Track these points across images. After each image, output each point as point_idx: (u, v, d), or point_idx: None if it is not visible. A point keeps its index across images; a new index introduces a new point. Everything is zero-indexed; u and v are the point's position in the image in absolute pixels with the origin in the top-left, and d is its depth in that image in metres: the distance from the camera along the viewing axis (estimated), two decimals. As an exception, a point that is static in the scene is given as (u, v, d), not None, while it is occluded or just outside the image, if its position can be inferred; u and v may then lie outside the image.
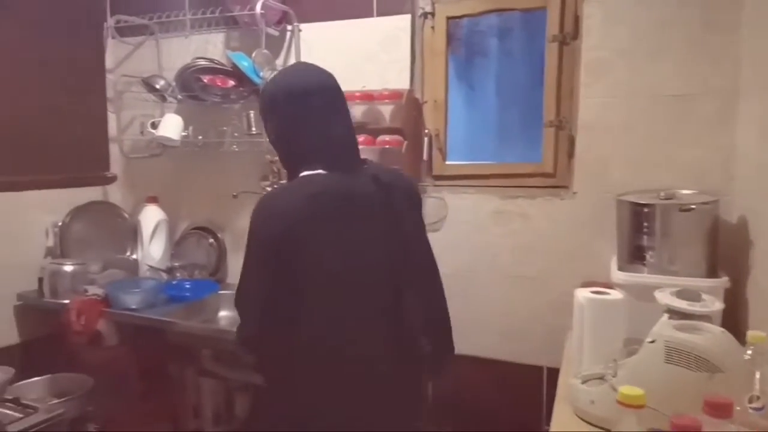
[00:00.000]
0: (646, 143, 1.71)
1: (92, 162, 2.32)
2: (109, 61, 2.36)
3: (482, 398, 1.96)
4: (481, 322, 1.95)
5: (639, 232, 1.48)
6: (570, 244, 1.82)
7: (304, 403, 1.22)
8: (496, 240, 1.91)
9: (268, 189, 2.09)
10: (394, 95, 1.88)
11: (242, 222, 2.22)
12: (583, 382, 1.15)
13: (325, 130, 1.25)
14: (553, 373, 1.77)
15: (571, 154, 1.82)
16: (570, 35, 1.79)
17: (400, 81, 1.94)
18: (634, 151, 1.72)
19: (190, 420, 2.27)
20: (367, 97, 1.91)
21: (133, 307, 1.90)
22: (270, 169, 2.08)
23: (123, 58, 2.34)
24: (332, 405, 1.20)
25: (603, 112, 1.74)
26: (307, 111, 1.24)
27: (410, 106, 1.91)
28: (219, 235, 2.25)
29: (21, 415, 1.47)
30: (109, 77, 2.34)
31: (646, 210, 1.47)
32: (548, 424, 1.42)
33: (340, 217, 1.21)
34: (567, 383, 1.23)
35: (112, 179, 2.39)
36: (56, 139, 2.14)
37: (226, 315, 2.11)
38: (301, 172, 1.22)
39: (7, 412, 1.48)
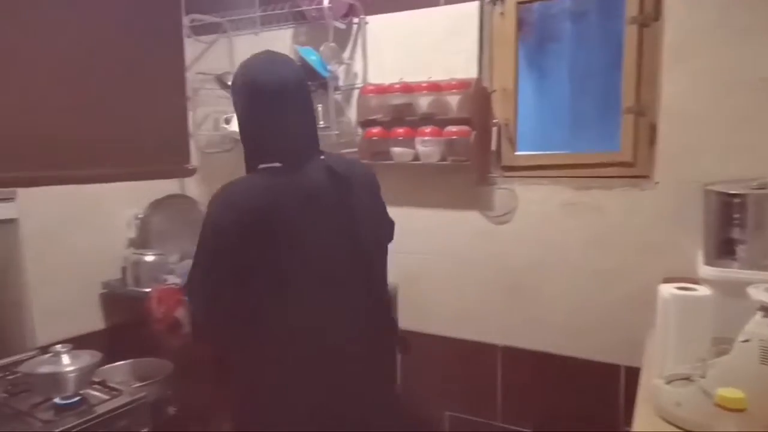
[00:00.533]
0: (735, 129, 1.58)
1: (174, 155, 2.42)
2: (185, 59, 2.46)
3: (555, 396, 1.90)
4: (551, 317, 1.89)
5: (729, 224, 1.38)
6: (650, 237, 1.72)
7: (265, 391, 1.24)
8: (569, 233, 1.83)
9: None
10: (461, 85, 1.85)
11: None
12: (668, 383, 1.09)
13: (282, 124, 1.26)
14: (632, 373, 1.69)
15: (652, 142, 1.71)
16: (650, 16, 1.68)
17: (468, 70, 1.90)
18: (722, 138, 1.60)
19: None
20: (434, 87, 1.88)
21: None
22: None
23: (198, 56, 2.43)
24: (300, 393, 1.22)
25: (688, 97, 1.63)
26: (265, 106, 1.26)
27: (478, 95, 1.87)
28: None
29: (107, 397, 1.56)
30: (185, 75, 2.43)
31: (737, 200, 1.36)
32: (627, 424, 1.35)
33: (296, 207, 1.23)
34: (650, 384, 1.16)
35: (192, 171, 2.49)
36: (140, 134, 2.25)
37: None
38: (259, 164, 1.26)
39: (95, 393, 1.57)
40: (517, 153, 1.92)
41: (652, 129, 1.71)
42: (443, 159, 1.90)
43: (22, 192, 1.84)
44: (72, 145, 2.00)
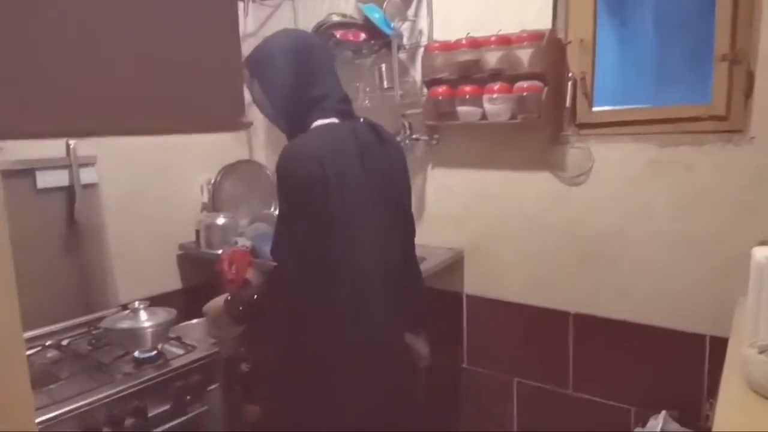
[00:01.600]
0: None
1: (229, 109, 2.43)
2: (251, 24, 2.46)
3: (631, 365, 1.81)
4: (631, 286, 1.78)
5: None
6: (745, 197, 1.56)
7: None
8: (653, 195, 1.70)
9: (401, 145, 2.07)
10: (533, 37, 1.73)
11: (376, 178, 2.23)
12: (761, 353, 0.99)
13: (332, 80, 1.31)
14: (717, 343, 1.57)
15: (748, 93, 1.54)
16: (751, -51, 1.50)
17: (541, 21, 1.78)
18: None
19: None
20: (504, 41, 1.78)
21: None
22: (401, 124, 2.05)
23: (263, 21, 2.43)
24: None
25: (793, 40, 1.45)
26: (315, 63, 1.28)
27: (552, 48, 1.75)
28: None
29: (183, 352, 1.63)
30: (251, 41, 2.44)
31: None
32: (711, 396, 1.25)
33: (359, 163, 1.25)
34: (739, 353, 1.07)
35: (249, 124, 2.51)
36: (194, 87, 2.24)
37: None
38: (314, 122, 1.25)
39: (172, 348, 1.65)
40: (595, 109, 1.79)
41: (749, 78, 1.53)
42: (513, 117, 1.80)
43: (100, 158, 1.93)
44: (127, 97, 2.03)
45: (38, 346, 1.69)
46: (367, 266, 1.26)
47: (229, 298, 1.41)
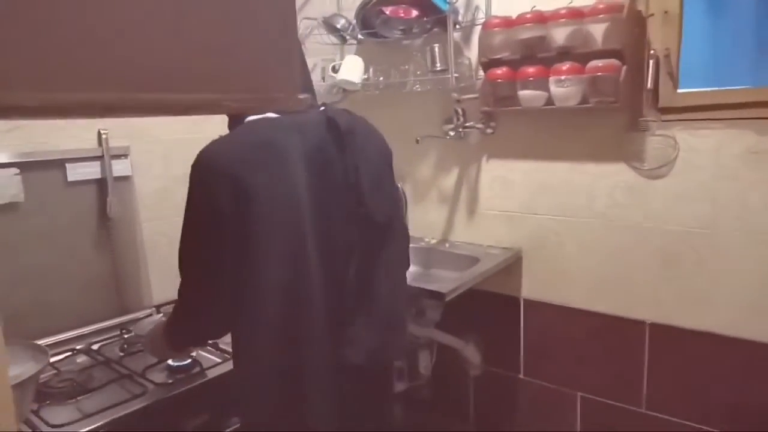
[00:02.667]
0: None
1: (282, 85, 2.28)
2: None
3: (718, 385, 1.59)
4: (720, 292, 1.55)
5: None
6: None
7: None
8: (749, 188, 1.47)
9: (451, 134, 1.89)
10: (610, 8, 1.52)
11: (425, 170, 2.06)
12: None
13: None
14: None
15: None
16: None
17: (618, -9, 1.57)
18: None
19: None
20: (576, 14, 1.57)
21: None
22: (454, 111, 1.86)
23: (304, 2, 2.27)
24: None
25: None
26: None
27: (631, 21, 1.53)
28: (400, 185, 2.11)
29: (220, 360, 1.50)
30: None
31: None
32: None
33: (305, 168, 1.02)
34: None
35: (303, 102, 2.34)
36: (244, 58, 2.12)
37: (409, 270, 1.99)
38: (247, 116, 1.05)
39: (208, 356, 1.54)
40: (680, 91, 1.56)
41: None
42: (584, 101, 1.60)
43: (134, 150, 1.81)
44: (155, 64, 1.90)
45: (68, 351, 1.59)
46: (302, 302, 1.03)
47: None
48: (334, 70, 1.98)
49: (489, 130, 1.87)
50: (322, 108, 1.12)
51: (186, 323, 1.17)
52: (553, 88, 1.62)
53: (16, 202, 1.58)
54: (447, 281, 1.70)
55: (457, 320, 1.95)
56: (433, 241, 2.05)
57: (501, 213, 1.93)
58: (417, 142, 1.79)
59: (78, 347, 1.61)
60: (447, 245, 2.02)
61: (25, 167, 1.59)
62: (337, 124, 1.07)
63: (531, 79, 1.65)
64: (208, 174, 0.99)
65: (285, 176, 1.01)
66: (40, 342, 1.59)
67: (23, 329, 1.56)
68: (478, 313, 2.01)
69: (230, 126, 1.11)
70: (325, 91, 2.17)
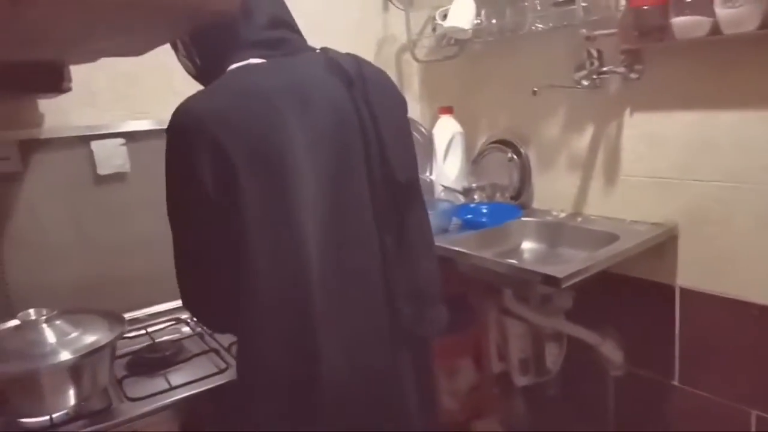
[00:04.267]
0: None
1: None
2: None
3: None
4: None
5: None
6: None
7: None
8: None
9: (584, 83, 1.54)
10: None
11: (551, 129, 1.73)
12: None
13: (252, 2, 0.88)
14: None
15: None
16: None
17: None
18: None
19: (495, 361, 2.00)
20: None
21: (423, 231, 1.65)
22: (585, 53, 1.51)
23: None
24: None
25: None
26: None
27: None
28: (522, 150, 1.81)
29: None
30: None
31: None
32: None
33: (298, 120, 0.84)
34: None
35: None
36: None
37: (530, 247, 1.71)
38: (228, 65, 0.89)
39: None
40: None
41: None
42: (764, 26, 1.17)
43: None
44: None
45: (173, 320, 1.60)
46: (299, 278, 0.86)
47: None
48: (443, 16, 1.73)
49: (633, 75, 1.49)
50: (318, 50, 0.93)
51: (194, 314, 1.09)
52: (720, 11, 1.22)
53: (123, 172, 1.61)
54: (573, 263, 1.39)
55: (593, 310, 1.64)
56: (562, 215, 1.73)
57: (649, 179, 1.55)
58: (534, 93, 1.48)
59: (182, 317, 1.62)
60: (579, 219, 1.69)
61: (130, 137, 1.61)
62: (341, 65, 0.88)
63: (688, 0, 1.26)
64: (183, 138, 0.85)
65: (279, 139, 0.84)
66: (145, 311, 1.63)
67: (130, 297, 1.60)
68: (619, 302, 1.65)
69: (202, 79, 0.96)
70: (435, 43, 1.93)
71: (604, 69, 1.51)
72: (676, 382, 1.59)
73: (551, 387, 1.87)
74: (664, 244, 1.51)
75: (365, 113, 0.89)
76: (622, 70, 1.49)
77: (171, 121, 0.88)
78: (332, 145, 0.88)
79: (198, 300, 0.99)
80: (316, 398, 0.88)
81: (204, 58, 0.96)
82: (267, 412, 0.89)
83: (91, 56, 0.98)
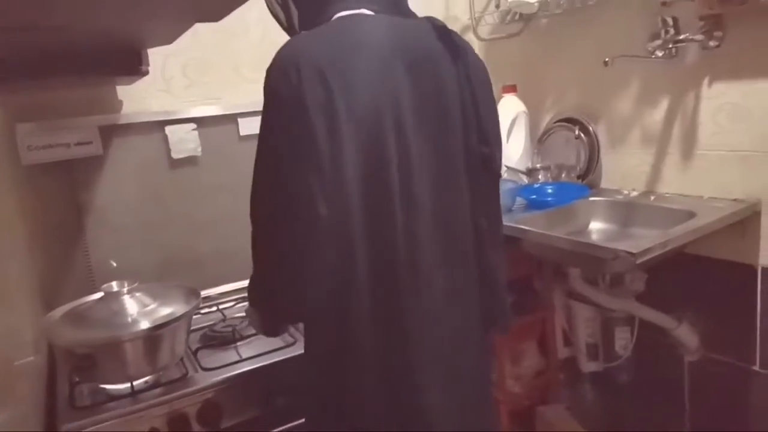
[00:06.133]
0: None
1: None
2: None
3: None
4: None
5: None
6: None
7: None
8: None
9: (658, 54, 1.47)
10: None
11: (623, 103, 1.66)
12: None
13: None
14: None
15: None
16: None
17: None
18: None
19: (561, 346, 1.95)
20: None
21: (487, 211, 1.63)
22: (661, 20, 1.44)
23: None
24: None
25: None
26: None
27: None
28: (590, 127, 1.75)
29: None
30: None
31: None
32: None
33: (406, 81, 0.82)
34: None
35: None
36: None
37: (599, 228, 1.65)
38: (334, 12, 0.86)
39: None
40: None
41: None
42: None
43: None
44: None
45: (241, 298, 1.65)
46: (401, 246, 0.82)
47: None
48: (507, -8, 1.70)
49: (712, 43, 1.41)
50: (425, 17, 0.90)
51: (263, 284, 1.00)
52: (813, -35, 1.13)
53: (195, 156, 1.67)
54: (647, 239, 1.33)
55: (667, 292, 1.57)
56: (634, 194, 1.66)
57: (730, 153, 1.46)
58: (606, 64, 1.42)
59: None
60: (652, 198, 1.61)
61: (201, 122, 1.67)
62: (449, 33, 0.85)
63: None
64: (293, 70, 0.80)
65: (383, 88, 0.82)
66: (216, 289, 1.69)
67: (203, 276, 1.66)
68: (696, 284, 1.57)
69: (298, 27, 0.93)
70: (499, 20, 1.89)
71: (681, 37, 1.43)
72: (757, 368, 1.50)
73: (621, 373, 1.81)
74: (745, 222, 1.42)
75: (467, 92, 0.87)
76: (700, 37, 1.41)
77: (278, 58, 0.84)
78: (437, 116, 0.86)
79: (275, 258, 0.93)
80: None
81: (302, 3, 0.93)
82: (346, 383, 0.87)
83: (172, 25, 0.99)
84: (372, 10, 0.86)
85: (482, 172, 0.89)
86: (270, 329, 1.12)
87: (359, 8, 0.86)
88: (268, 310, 1.03)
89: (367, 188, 0.81)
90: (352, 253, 0.80)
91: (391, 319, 0.83)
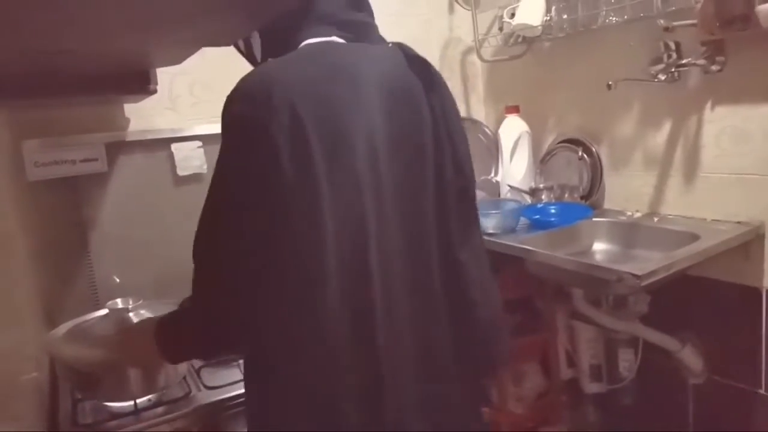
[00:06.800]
0: None
1: None
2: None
3: None
4: None
5: None
6: None
7: None
8: None
9: (661, 77, 1.49)
10: None
11: (626, 126, 1.68)
12: None
13: None
14: None
15: None
16: None
17: None
18: None
19: (563, 367, 1.94)
20: None
21: (490, 231, 1.63)
22: (663, 44, 1.46)
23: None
24: None
25: None
26: None
27: None
28: (593, 149, 1.76)
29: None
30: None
31: None
32: None
33: (381, 110, 0.79)
34: None
35: None
36: None
37: (602, 248, 1.65)
38: (302, 40, 0.81)
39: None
40: None
41: None
42: None
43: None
44: None
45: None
46: (374, 287, 0.77)
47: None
48: (511, 15, 1.72)
49: (714, 67, 1.43)
50: (391, 45, 0.88)
51: (206, 326, 0.86)
52: (815, -7, 1.15)
53: (200, 173, 1.68)
54: (652, 261, 1.33)
55: (671, 314, 1.57)
56: (637, 215, 1.67)
57: (732, 176, 1.47)
58: (609, 87, 1.44)
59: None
60: (656, 219, 1.62)
61: (206, 140, 1.68)
62: (425, 62, 0.84)
63: (777, -16, 1.19)
64: (263, 97, 0.74)
65: (360, 124, 0.77)
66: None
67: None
68: (700, 306, 1.58)
69: (260, 54, 0.89)
70: (502, 42, 1.92)
71: (683, 62, 1.45)
72: (762, 391, 1.49)
73: (625, 395, 1.79)
74: (749, 244, 1.43)
75: (442, 123, 0.84)
76: (702, 62, 1.43)
77: (245, 83, 0.78)
78: (412, 146, 0.82)
79: (228, 303, 0.83)
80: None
81: (266, 31, 0.88)
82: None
83: (180, 50, 1.01)
84: (343, 38, 0.83)
85: (459, 204, 0.87)
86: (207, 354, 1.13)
87: (330, 36, 0.82)
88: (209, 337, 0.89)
89: (338, 221, 0.75)
90: (324, 283, 0.76)
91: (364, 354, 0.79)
